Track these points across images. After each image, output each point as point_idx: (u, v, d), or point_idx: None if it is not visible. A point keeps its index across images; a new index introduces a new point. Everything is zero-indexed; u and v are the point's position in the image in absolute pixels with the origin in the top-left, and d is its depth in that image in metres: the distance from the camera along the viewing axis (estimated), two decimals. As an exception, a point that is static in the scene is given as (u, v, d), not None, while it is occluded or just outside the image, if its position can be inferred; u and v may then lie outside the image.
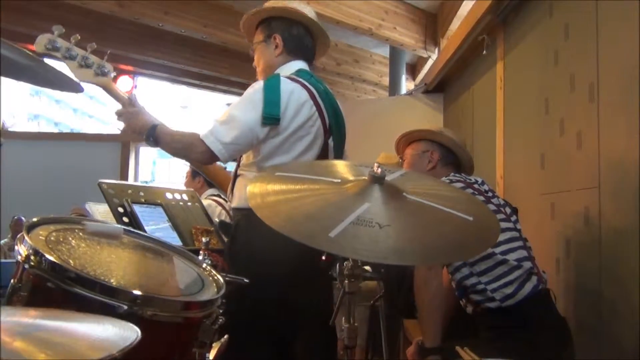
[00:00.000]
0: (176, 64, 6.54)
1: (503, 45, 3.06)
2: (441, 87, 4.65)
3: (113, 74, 1.84)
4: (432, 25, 4.88)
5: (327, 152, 1.83)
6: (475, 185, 1.86)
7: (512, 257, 1.72)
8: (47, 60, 1.27)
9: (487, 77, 3.41)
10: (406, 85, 5.54)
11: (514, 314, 1.68)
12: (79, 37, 1.76)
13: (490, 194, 1.88)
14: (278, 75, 1.76)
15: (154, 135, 1.73)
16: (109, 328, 0.68)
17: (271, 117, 1.67)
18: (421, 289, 1.82)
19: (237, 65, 6.13)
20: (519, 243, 1.79)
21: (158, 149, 1.83)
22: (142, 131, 1.76)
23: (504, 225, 1.78)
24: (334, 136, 1.84)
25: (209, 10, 5.13)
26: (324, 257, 1.25)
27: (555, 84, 2.29)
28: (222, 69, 6.43)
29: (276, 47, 1.86)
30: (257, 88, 1.73)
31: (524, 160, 2.71)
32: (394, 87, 5.33)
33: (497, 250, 1.72)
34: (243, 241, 1.72)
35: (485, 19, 3.09)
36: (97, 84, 1.80)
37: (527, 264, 1.73)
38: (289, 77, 1.77)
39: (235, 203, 1.82)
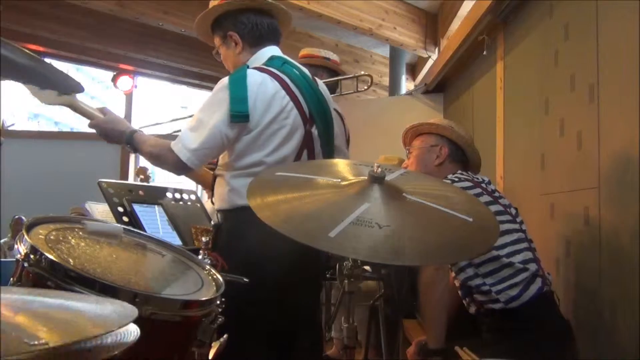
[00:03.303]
0: (176, 63, 6.55)
1: (503, 45, 3.06)
2: (441, 87, 4.65)
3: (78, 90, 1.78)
4: (432, 26, 4.88)
5: (311, 141, 1.73)
6: (483, 185, 1.85)
7: (517, 259, 1.71)
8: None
9: (487, 77, 3.40)
10: (406, 85, 5.54)
11: (517, 316, 1.68)
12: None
13: (497, 194, 1.87)
14: (245, 68, 1.67)
15: (132, 143, 1.72)
16: (108, 306, 0.68)
17: (239, 114, 1.58)
18: (428, 290, 1.80)
19: (237, 65, 6.12)
20: (525, 244, 1.78)
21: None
22: (120, 140, 1.74)
23: (510, 226, 1.77)
24: (317, 123, 1.74)
25: (209, 10, 5.13)
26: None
27: (555, 84, 2.29)
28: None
29: (235, 44, 1.79)
30: (221, 86, 1.65)
31: (524, 160, 2.70)
32: (394, 87, 5.33)
33: (503, 252, 1.71)
34: (222, 244, 1.64)
35: (486, 19, 3.09)
36: (62, 104, 1.70)
37: (533, 266, 1.72)
38: (257, 68, 1.68)
39: (216, 205, 1.77)
